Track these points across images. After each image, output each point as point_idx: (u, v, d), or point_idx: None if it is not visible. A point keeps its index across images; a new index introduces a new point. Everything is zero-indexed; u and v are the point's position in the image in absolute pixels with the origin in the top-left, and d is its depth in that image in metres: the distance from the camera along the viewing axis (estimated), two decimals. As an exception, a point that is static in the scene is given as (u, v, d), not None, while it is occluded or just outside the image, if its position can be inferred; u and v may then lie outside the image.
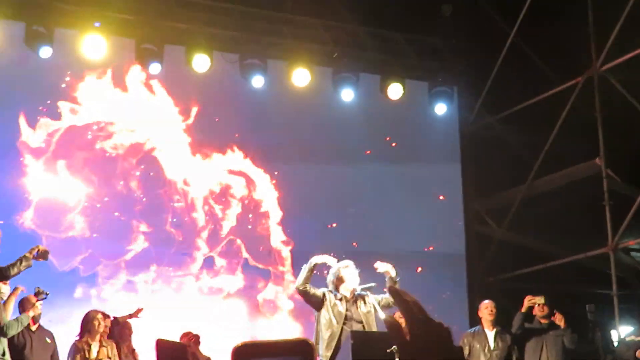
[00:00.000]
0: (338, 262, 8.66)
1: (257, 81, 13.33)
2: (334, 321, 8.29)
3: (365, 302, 8.46)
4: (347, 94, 13.84)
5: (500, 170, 14.40)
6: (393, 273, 8.60)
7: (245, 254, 12.83)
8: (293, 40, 13.62)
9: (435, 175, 14.19)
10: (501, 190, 14.41)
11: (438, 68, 14.46)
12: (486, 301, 10.72)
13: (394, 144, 14.07)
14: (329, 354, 8.18)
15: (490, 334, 10.45)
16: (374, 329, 8.42)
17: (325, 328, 8.30)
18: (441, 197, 14.21)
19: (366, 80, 14.08)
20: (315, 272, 8.50)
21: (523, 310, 10.47)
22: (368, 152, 13.84)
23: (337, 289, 8.49)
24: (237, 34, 13.38)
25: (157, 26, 12.94)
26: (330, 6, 13.92)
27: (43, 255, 8.47)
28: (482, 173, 14.47)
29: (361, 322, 8.34)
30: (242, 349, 3.62)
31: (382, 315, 8.31)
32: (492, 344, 10.35)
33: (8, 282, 8.79)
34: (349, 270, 8.58)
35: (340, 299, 8.40)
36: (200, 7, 13.26)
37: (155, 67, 12.85)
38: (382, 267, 8.63)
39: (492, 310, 10.49)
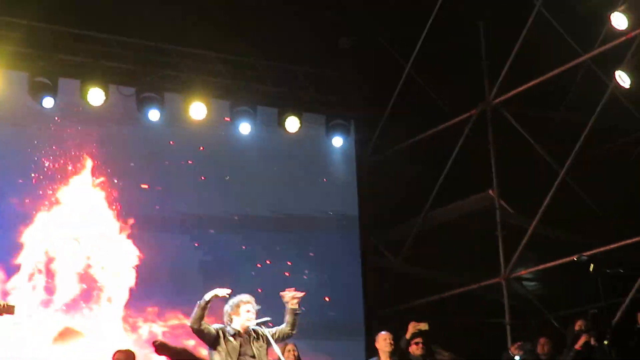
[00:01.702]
0: (233, 295, 8.58)
1: (154, 115, 13.22)
2: (229, 356, 8.21)
3: (258, 337, 8.39)
4: (245, 127, 13.81)
5: (397, 202, 14.52)
6: (296, 306, 8.52)
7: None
8: (190, 74, 13.56)
9: (333, 207, 14.24)
10: (398, 223, 14.52)
11: (335, 101, 14.55)
12: (383, 332, 10.74)
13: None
14: (225, 389, 8.11)
15: (388, 365, 10.49)
16: (267, 364, 8.37)
17: (220, 364, 8.21)
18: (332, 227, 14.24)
19: (264, 113, 14.09)
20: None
21: (408, 336, 10.57)
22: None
23: (231, 320, 8.40)
24: (133, 67, 13.27)
25: (51, 59, 12.76)
26: (227, 39, 13.91)
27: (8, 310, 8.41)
28: (379, 205, 14.57)
29: (254, 356, 8.27)
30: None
31: (276, 349, 8.25)
32: (388, 376, 10.38)
33: None
34: (247, 307, 8.48)
35: (234, 335, 8.31)
36: (96, 40, 13.12)
37: (48, 101, 12.66)
38: (288, 297, 8.55)
39: (390, 342, 10.54)
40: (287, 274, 13.45)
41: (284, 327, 8.50)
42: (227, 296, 8.23)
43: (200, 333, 8.21)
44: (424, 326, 10.40)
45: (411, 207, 14.25)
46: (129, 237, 12.86)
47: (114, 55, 13.23)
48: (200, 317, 8.12)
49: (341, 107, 14.51)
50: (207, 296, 8.17)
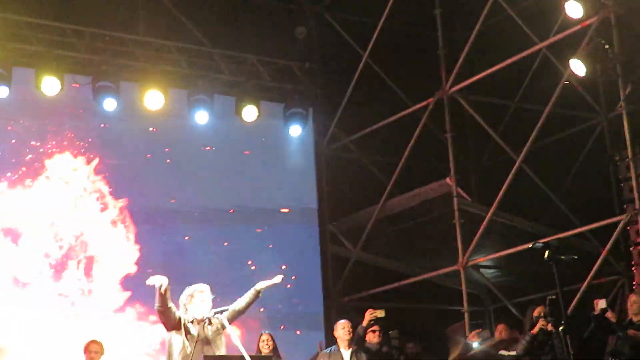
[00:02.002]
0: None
1: (109, 104, 13.09)
2: (187, 343, 8.20)
3: (212, 324, 8.39)
4: (202, 116, 13.73)
5: (355, 191, 14.57)
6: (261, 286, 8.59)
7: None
8: (146, 63, 13.45)
9: (291, 197, 14.24)
10: (357, 211, 14.55)
11: (292, 90, 14.52)
12: (342, 321, 10.75)
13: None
14: (184, 376, 8.13)
15: (346, 353, 10.48)
16: (222, 348, 8.37)
17: (178, 350, 8.21)
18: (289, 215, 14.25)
19: (221, 102, 14.02)
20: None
21: (364, 324, 10.62)
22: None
23: (186, 310, 8.40)
24: (89, 56, 13.13)
25: (5, 48, 12.60)
26: (183, 29, 13.84)
27: None
28: (337, 194, 14.59)
29: (209, 344, 8.28)
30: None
31: (233, 333, 8.23)
32: (348, 364, 10.41)
33: None
34: (202, 296, 8.49)
35: (192, 321, 8.33)
36: (51, 29, 12.97)
37: (3, 91, 12.52)
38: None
39: (349, 330, 10.56)
40: (249, 263, 13.45)
41: (238, 305, 8.51)
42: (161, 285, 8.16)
43: (166, 313, 8.18)
44: (380, 313, 10.42)
45: (369, 195, 14.29)
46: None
47: (69, 44, 13.09)
48: (165, 299, 8.11)
49: (298, 96, 14.47)
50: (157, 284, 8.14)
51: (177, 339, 8.21)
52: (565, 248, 8.91)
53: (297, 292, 13.59)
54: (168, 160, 13.59)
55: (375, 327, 11.20)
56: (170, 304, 8.16)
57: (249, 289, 8.54)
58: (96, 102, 13.11)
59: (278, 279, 8.63)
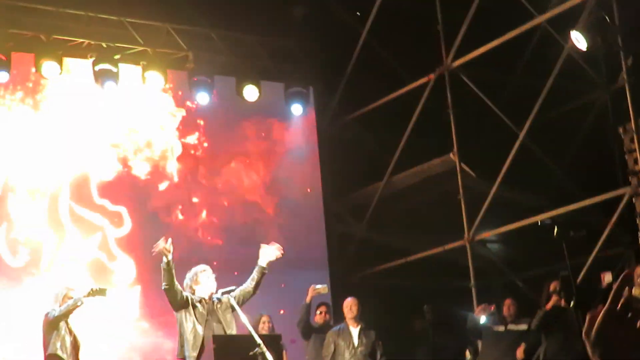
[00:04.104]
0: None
1: (110, 86, 13.06)
2: (197, 322, 8.32)
3: (221, 303, 8.49)
4: (203, 97, 13.72)
5: (359, 168, 14.57)
6: (265, 264, 8.66)
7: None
8: (145, 45, 13.41)
9: (295, 176, 14.25)
10: (361, 189, 14.56)
11: (292, 69, 14.51)
12: (348, 299, 10.84)
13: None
14: (195, 354, 8.27)
15: (355, 331, 10.59)
16: (234, 328, 8.47)
17: (189, 329, 8.33)
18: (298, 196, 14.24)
19: (222, 83, 14.00)
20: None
21: (307, 300, 10.65)
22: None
23: (194, 292, 8.51)
24: (87, 40, 13.09)
25: (3, 34, 12.56)
26: (181, 10, 13.78)
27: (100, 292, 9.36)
28: (341, 172, 14.60)
29: (220, 322, 8.38)
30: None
31: (241, 315, 8.29)
32: (356, 341, 10.49)
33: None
34: (205, 274, 8.63)
35: (200, 301, 8.44)
36: (48, 13, 12.91)
37: (3, 76, 12.49)
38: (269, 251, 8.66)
39: (352, 308, 10.62)
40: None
41: (247, 287, 8.66)
42: (168, 250, 8.21)
43: (173, 293, 8.31)
44: (323, 290, 10.33)
45: (373, 172, 14.31)
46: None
47: (66, 28, 13.03)
48: (172, 277, 8.20)
49: (299, 75, 14.46)
50: (155, 252, 8.22)
51: (188, 319, 8.35)
52: (572, 223, 8.94)
53: (302, 270, 13.63)
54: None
55: (322, 308, 11.28)
56: (176, 283, 8.28)
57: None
58: (97, 85, 13.08)
59: (277, 251, 8.68)
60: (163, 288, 8.36)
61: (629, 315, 2.21)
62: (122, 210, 12.96)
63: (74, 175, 12.78)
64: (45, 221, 12.43)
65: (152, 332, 12.47)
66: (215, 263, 9.96)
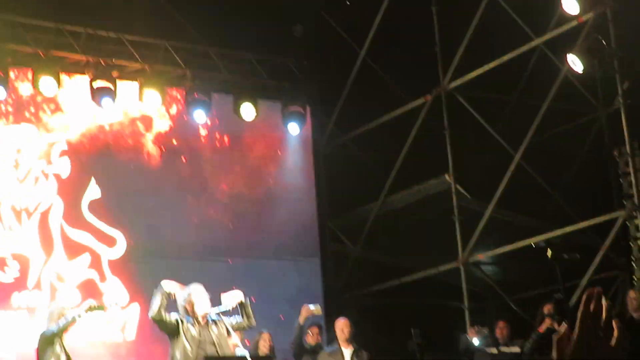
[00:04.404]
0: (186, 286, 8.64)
1: (107, 104, 13.06)
2: (188, 346, 8.25)
3: (217, 325, 8.43)
4: (200, 116, 13.71)
5: (355, 188, 14.56)
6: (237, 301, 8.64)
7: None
8: (143, 63, 13.44)
9: (291, 194, 14.23)
10: (356, 208, 14.56)
11: (290, 88, 14.52)
12: (340, 320, 10.73)
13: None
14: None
15: (347, 352, 10.49)
16: (228, 351, 8.40)
17: (180, 354, 8.25)
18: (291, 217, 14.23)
19: (220, 101, 14.00)
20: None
21: (301, 321, 10.57)
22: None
23: (188, 313, 8.45)
24: (85, 56, 13.11)
25: (1, 49, 12.58)
26: (179, 28, 13.81)
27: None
28: (337, 192, 14.59)
29: (214, 344, 8.32)
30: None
31: (235, 338, 8.28)
32: (348, 363, 10.41)
33: None
34: (199, 294, 8.57)
35: (193, 324, 8.37)
36: (46, 30, 12.95)
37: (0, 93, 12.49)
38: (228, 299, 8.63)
39: (344, 329, 10.51)
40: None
41: (240, 320, 8.61)
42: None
43: (161, 322, 8.26)
44: (317, 310, 10.25)
45: (369, 193, 14.29)
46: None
47: (65, 44, 13.06)
48: (163, 306, 8.16)
49: (297, 94, 14.47)
50: (167, 286, 8.19)
51: (178, 342, 8.28)
52: (567, 245, 8.95)
53: (296, 289, 13.60)
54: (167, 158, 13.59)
55: (314, 329, 11.21)
56: (164, 314, 8.21)
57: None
58: (94, 102, 13.07)
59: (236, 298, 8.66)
60: (152, 315, 8.34)
61: (601, 335, 2.19)
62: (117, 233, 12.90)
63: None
64: (35, 238, 12.39)
65: (146, 353, 12.37)
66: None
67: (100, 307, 9.35)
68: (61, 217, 12.61)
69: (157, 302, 8.25)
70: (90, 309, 9.25)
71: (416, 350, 11.06)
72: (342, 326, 10.55)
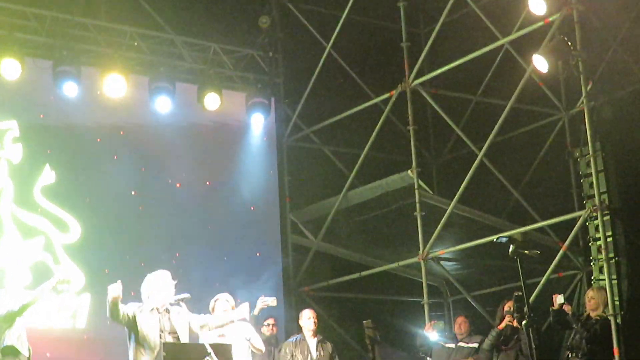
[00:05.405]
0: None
1: (70, 89, 12.93)
2: (149, 335, 8.18)
3: (177, 312, 8.38)
4: (164, 104, 13.59)
5: (317, 181, 14.57)
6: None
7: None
8: (107, 48, 13.32)
9: (253, 187, 14.18)
10: (318, 202, 14.55)
11: (255, 79, 14.48)
12: (307, 310, 10.87)
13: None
14: (144, 364, 8.14)
15: (312, 342, 10.57)
16: (187, 339, 8.36)
17: (140, 344, 8.17)
18: (252, 208, 14.16)
19: (184, 90, 13.90)
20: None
21: (256, 312, 10.51)
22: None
23: (148, 298, 8.37)
24: (50, 40, 12.96)
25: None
26: (146, 15, 13.72)
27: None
28: (299, 184, 14.58)
29: (174, 332, 8.26)
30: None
31: (195, 327, 8.23)
32: (314, 353, 10.49)
33: None
34: (164, 280, 8.49)
35: (152, 310, 8.29)
36: (11, 12, 12.78)
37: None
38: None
39: (315, 320, 10.62)
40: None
41: (207, 320, 8.66)
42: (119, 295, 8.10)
43: (120, 322, 8.20)
44: (272, 302, 10.26)
45: (331, 186, 14.30)
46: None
47: (30, 27, 12.91)
48: (116, 310, 8.07)
49: (261, 85, 14.42)
50: (110, 294, 8.06)
51: (138, 333, 8.21)
52: (528, 243, 9.00)
53: (256, 281, 13.56)
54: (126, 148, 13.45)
55: (270, 321, 11.28)
56: (120, 313, 8.12)
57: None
58: (57, 87, 12.93)
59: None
60: (111, 319, 8.25)
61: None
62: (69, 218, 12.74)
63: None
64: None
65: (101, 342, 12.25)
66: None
67: (67, 282, 9.23)
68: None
69: (108, 309, 8.17)
70: (59, 283, 9.05)
71: (367, 342, 11.15)
72: (309, 316, 10.65)
